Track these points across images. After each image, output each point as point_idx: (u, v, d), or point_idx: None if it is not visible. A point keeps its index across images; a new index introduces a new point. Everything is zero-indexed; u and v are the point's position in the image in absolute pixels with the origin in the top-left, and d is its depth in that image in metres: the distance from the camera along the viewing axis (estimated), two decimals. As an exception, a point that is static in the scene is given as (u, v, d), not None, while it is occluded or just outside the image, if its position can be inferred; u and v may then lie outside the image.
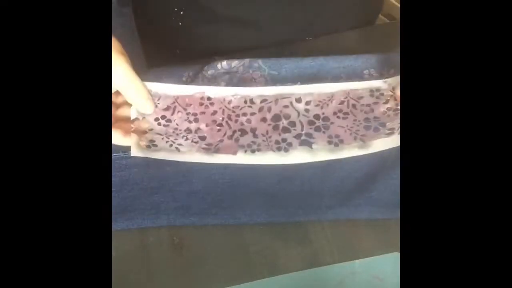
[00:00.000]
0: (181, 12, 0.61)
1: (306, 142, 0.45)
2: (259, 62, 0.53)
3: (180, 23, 0.62)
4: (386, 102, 0.47)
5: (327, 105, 0.48)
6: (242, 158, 0.44)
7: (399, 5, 1.09)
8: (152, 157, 0.44)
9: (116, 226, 0.44)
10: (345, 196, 0.44)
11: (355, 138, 0.45)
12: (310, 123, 0.47)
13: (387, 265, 0.41)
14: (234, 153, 0.44)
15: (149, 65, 0.74)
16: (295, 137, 0.46)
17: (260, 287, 0.40)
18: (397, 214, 0.42)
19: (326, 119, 0.47)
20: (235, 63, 0.53)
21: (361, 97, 0.48)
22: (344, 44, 0.59)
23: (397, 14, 1.17)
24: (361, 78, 0.52)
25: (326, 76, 0.53)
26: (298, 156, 0.45)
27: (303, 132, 0.46)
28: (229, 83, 0.53)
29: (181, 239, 0.43)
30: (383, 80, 0.49)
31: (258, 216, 0.44)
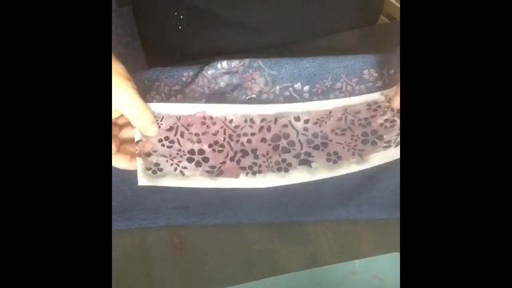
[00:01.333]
0: (181, 16, 0.61)
1: (306, 161, 0.46)
2: (259, 62, 0.53)
3: (180, 27, 0.62)
4: (384, 113, 0.48)
5: (325, 122, 0.48)
6: (244, 182, 0.45)
7: (399, 5, 1.09)
8: (159, 184, 0.44)
9: (116, 226, 0.44)
10: (345, 196, 0.44)
11: (353, 154, 0.46)
12: (309, 141, 0.47)
13: (387, 265, 0.41)
14: (237, 176, 0.45)
15: (149, 65, 0.74)
16: (294, 156, 0.46)
17: (260, 287, 0.40)
18: (397, 214, 0.42)
19: (324, 137, 0.47)
20: (235, 63, 0.53)
21: (359, 112, 0.49)
22: (344, 44, 0.60)
23: (397, 14, 1.17)
24: (361, 78, 0.52)
25: (326, 76, 0.53)
26: (298, 176, 0.45)
27: (302, 152, 0.47)
28: (229, 83, 0.53)
29: (181, 239, 0.43)
30: (380, 92, 0.50)
31: (258, 216, 0.44)
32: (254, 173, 0.45)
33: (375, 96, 0.50)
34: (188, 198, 0.45)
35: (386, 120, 0.47)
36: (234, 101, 0.51)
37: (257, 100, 0.52)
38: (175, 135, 0.47)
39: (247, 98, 0.52)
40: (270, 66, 0.53)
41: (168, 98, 0.52)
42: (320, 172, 0.45)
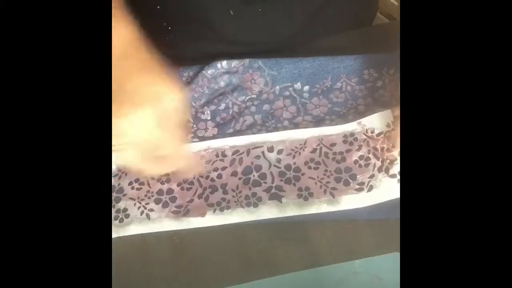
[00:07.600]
0: (169, 27, 0.59)
1: (276, 196, 0.44)
2: (259, 62, 0.53)
3: (167, 38, 0.60)
4: (359, 148, 0.46)
5: (299, 153, 0.47)
6: (210, 220, 0.44)
7: (399, 5, 1.09)
8: (122, 234, 0.44)
9: (116, 226, 0.44)
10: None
11: (325, 192, 0.44)
12: (281, 174, 0.46)
13: (387, 265, 0.41)
14: (203, 214, 0.44)
15: None
16: (265, 190, 0.45)
17: (260, 287, 0.40)
18: (397, 214, 0.42)
19: (297, 169, 0.46)
20: (235, 63, 0.53)
21: (334, 144, 0.47)
22: (344, 44, 0.59)
23: (397, 14, 1.17)
24: (361, 78, 0.52)
25: (326, 76, 0.53)
26: (267, 212, 0.44)
27: (273, 185, 0.45)
28: (229, 83, 0.53)
29: (181, 239, 0.43)
30: (357, 121, 0.48)
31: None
32: (222, 209, 0.44)
33: (353, 126, 0.48)
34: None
35: (361, 157, 0.46)
36: (235, 103, 0.51)
37: (257, 99, 0.52)
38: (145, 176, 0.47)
39: (247, 98, 0.52)
40: (270, 66, 0.53)
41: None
42: (290, 209, 0.44)
